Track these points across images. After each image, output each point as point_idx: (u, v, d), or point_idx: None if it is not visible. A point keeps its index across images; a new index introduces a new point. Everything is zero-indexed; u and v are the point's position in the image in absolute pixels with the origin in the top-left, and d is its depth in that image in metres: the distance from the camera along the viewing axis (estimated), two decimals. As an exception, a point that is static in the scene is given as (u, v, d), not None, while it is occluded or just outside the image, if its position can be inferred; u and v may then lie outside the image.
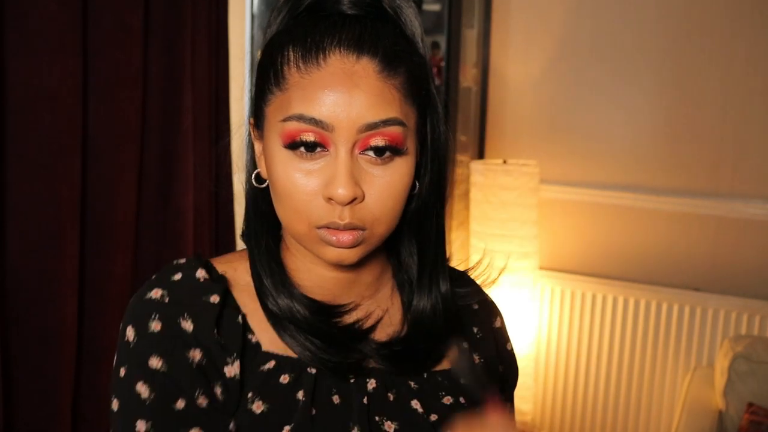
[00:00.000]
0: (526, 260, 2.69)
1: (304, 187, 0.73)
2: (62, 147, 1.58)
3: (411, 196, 0.80)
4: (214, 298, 0.77)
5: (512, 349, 0.97)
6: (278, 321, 0.79)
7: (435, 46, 2.80)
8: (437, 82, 2.74)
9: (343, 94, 0.71)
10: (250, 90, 0.82)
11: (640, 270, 2.86)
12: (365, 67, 0.72)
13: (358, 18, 0.75)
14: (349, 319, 0.82)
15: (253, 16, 2.55)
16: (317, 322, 0.79)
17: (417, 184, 0.81)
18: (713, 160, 2.74)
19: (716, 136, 2.73)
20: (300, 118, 0.72)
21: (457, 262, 0.94)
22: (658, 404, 2.81)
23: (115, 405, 0.75)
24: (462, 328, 0.90)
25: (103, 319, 1.74)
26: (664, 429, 2.78)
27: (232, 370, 0.76)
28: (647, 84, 2.81)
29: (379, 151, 0.73)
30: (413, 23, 0.78)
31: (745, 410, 2.24)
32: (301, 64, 0.73)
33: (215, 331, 0.76)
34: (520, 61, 2.98)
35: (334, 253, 0.75)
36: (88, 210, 1.70)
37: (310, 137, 0.72)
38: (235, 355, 0.77)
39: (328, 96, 0.71)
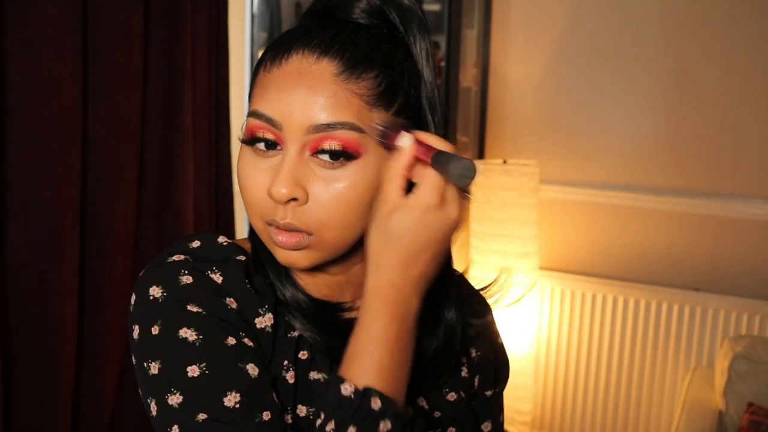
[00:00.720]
0: (526, 260, 2.69)
1: (255, 183, 0.73)
2: (62, 147, 1.58)
3: None
4: (241, 257, 0.78)
5: (502, 343, 0.97)
6: (285, 307, 0.79)
7: (435, 46, 2.80)
8: (437, 82, 2.74)
9: (294, 93, 0.71)
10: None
11: (640, 270, 2.86)
12: (323, 69, 0.71)
13: (348, 24, 0.75)
14: (348, 315, 0.82)
15: (253, 16, 2.55)
16: (320, 313, 0.79)
17: None
18: (713, 160, 2.74)
19: (716, 136, 2.73)
20: (254, 114, 0.73)
21: (464, 271, 0.92)
22: (658, 404, 2.81)
23: (154, 368, 0.71)
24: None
25: (103, 319, 1.74)
26: (664, 429, 2.78)
27: (263, 321, 0.76)
28: (647, 84, 2.81)
29: (333, 155, 0.71)
30: (415, 35, 0.77)
31: (745, 410, 2.24)
32: (268, 63, 0.74)
33: (246, 281, 0.76)
34: (520, 61, 2.98)
35: (282, 255, 0.74)
36: (88, 210, 1.70)
37: (263, 134, 0.72)
38: (267, 306, 0.76)
39: (280, 94, 0.71)
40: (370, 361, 0.67)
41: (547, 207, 2.93)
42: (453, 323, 0.82)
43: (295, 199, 0.71)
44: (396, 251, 0.69)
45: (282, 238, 0.73)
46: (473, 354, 0.91)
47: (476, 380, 0.91)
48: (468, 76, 2.98)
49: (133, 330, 0.74)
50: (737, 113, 2.69)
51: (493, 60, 3.02)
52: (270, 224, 0.73)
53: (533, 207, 2.70)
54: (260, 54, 0.81)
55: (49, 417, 1.62)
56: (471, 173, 0.67)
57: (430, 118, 0.77)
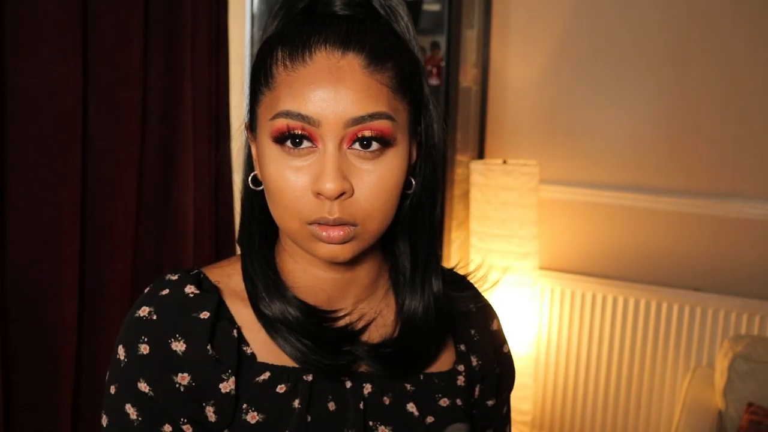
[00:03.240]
0: (526, 260, 2.69)
1: (293, 184, 0.73)
2: (62, 147, 1.58)
3: (405, 195, 0.80)
4: (205, 314, 0.77)
5: (509, 351, 0.97)
6: (270, 323, 0.79)
7: (435, 46, 2.80)
8: (437, 82, 2.74)
9: (329, 89, 0.71)
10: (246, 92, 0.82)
11: (640, 270, 2.86)
12: (351, 63, 0.72)
13: (348, 17, 0.76)
14: (341, 322, 0.81)
15: (253, 16, 2.55)
16: (309, 324, 0.79)
17: (413, 182, 0.81)
18: (713, 160, 2.74)
19: (716, 136, 2.73)
20: (287, 114, 0.72)
21: (454, 265, 0.94)
22: (658, 404, 2.81)
23: (104, 421, 0.78)
24: (459, 330, 0.90)
25: (103, 319, 1.74)
26: (664, 429, 2.78)
27: (227, 386, 0.77)
28: (647, 84, 2.81)
29: (366, 143, 0.72)
30: (404, 21, 0.79)
31: (745, 410, 2.24)
32: (288, 62, 0.73)
33: (208, 347, 0.76)
34: (520, 61, 2.98)
35: (326, 250, 0.75)
36: (88, 210, 1.70)
37: (298, 133, 0.72)
38: (230, 371, 0.77)
39: (314, 92, 0.71)
40: None
41: (547, 207, 2.93)
42: (439, 294, 0.84)
43: (343, 193, 0.72)
44: None
45: (330, 233, 0.73)
46: (474, 363, 0.90)
47: (477, 389, 0.91)
48: (468, 76, 2.98)
49: (108, 369, 0.80)
50: (737, 113, 2.69)
51: (493, 60, 3.02)
52: (316, 223, 0.74)
53: (533, 207, 2.70)
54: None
55: (49, 417, 1.62)
56: None
57: (429, 98, 0.81)
